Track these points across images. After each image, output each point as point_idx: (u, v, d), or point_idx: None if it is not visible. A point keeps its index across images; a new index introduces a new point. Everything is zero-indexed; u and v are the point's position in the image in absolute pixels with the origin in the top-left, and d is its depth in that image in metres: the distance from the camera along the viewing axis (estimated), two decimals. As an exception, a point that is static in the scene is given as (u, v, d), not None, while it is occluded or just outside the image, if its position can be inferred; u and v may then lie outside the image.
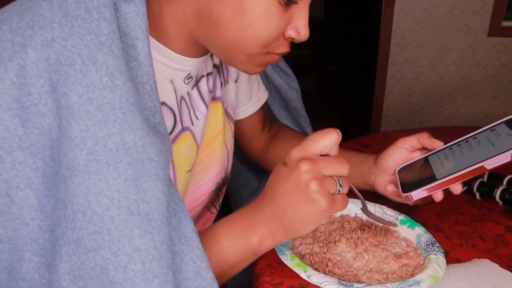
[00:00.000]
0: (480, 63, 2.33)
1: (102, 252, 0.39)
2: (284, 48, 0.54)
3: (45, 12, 0.41)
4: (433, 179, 0.59)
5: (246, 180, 0.89)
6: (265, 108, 0.80)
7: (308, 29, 0.52)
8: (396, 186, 0.65)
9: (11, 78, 0.40)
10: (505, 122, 0.61)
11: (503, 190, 0.70)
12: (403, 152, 0.66)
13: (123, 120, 0.40)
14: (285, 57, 0.67)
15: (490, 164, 0.55)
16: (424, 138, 0.64)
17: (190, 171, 0.61)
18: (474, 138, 0.62)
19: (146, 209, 0.40)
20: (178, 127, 0.58)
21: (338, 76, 4.40)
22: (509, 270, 0.55)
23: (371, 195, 0.74)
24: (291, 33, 0.52)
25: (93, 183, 0.39)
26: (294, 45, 0.56)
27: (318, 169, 0.47)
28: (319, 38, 4.86)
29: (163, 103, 0.55)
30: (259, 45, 0.51)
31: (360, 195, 0.57)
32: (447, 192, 0.60)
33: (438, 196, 0.60)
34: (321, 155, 0.49)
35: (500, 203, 0.71)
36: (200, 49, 0.57)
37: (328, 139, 0.48)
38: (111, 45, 0.41)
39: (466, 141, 0.63)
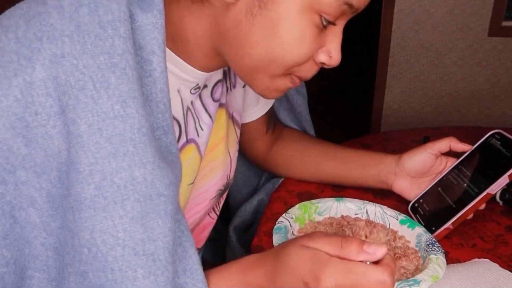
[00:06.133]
0: (480, 63, 2.33)
1: None
2: (309, 73, 0.51)
3: (55, 22, 0.37)
4: (451, 213, 0.62)
5: (245, 178, 0.89)
6: (270, 110, 0.79)
7: (341, 53, 0.49)
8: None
9: (16, 95, 0.37)
10: (491, 136, 0.65)
11: (503, 190, 0.70)
12: (430, 157, 0.67)
13: (133, 153, 0.38)
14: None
15: (494, 189, 0.60)
16: (455, 143, 0.65)
17: (192, 183, 0.59)
18: (468, 159, 0.66)
19: (152, 248, 0.39)
20: (183, 139, 0.56)
21: (338, 76, 4.40)
22: (509, 270, 0.55)
23: (371, 195, 0.74)
24: (322, 57, 0.49)
25: (99, 220, 0.38)
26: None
27: (348, 284, 0.39)
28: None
29: None
30: (285, 68, 0.49)
31: None
32: None
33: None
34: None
35: (500, 203, 0.71)
36: (219, 64, 0.54)
37: (380, 251, 0.40)
38: (125, 67, 0.39)
39: (460, 166, 0.67)
